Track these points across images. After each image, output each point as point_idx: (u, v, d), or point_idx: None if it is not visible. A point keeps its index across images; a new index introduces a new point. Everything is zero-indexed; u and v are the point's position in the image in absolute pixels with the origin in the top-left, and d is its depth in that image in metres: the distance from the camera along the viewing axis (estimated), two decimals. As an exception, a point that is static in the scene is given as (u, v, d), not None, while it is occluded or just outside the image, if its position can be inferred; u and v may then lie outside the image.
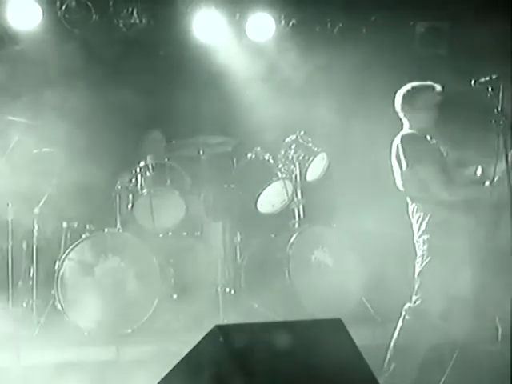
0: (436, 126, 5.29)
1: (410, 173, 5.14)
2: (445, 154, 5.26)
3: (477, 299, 5.10)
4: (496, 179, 4.83)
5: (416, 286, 5.09)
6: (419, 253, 5.13)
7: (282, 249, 6.72)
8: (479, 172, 5.05)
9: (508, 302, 4.75)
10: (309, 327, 3.65)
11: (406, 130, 5.33)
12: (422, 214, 5.15)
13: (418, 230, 5.16)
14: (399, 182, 5.28)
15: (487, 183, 4.99)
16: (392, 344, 5.13)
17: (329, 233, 7.01)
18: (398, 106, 5.38)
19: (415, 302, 5.07)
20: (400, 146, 5.19)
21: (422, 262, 5.09)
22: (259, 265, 7.02)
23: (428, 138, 5.29)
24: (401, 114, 5.38)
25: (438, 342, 5.40)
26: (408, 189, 5.23)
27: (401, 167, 5.18)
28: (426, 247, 5.09)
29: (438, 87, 5.27)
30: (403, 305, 5.14)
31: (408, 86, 5.35)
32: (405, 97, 5.33)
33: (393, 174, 5.31)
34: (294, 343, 3.34)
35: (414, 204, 5.23)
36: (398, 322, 5.15)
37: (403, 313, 5.11)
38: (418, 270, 5.12)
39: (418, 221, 5.17)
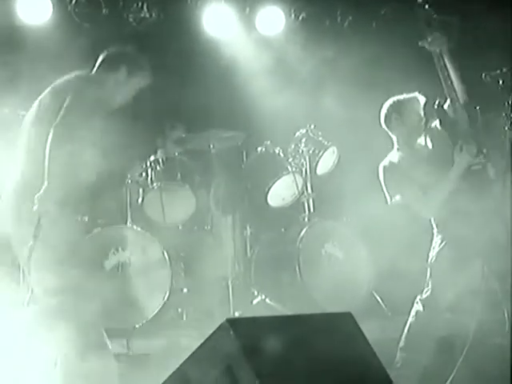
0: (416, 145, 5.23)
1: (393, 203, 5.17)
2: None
3: (487, 291, 5.09)
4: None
5: (427, 277, 5.09)
6: (432, 244, 5.12)
7: (292, 243, 6.73)
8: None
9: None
10: (319, 321, 3.65)
11: (392, 153, 5.27)
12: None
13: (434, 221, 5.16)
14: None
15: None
16: (403, 336, 5.13)
17: (339, 226, 7.01)
18: (384, 120, 5.31)
19: (426, 293, 5.06)
20: (381, 178, 5.18)
21: (435, 253, 5.09)
22: (269, 259, 7.03)
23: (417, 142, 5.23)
24: (387, 129, 5.32)
25: (449, 333, 5.41)
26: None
27: (387, 192, 5.19)
28: (438, 238, 5.09)
29: (422, 99, 5.21)
30: (414, 298, 5.14)
31: (391, 100, 5.29)
32: (390, 110, 5.26)
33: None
34: (304, 337, 3.34)
35: None
36: (408, 314, 5.15)
37: (414, 305, 5.11)
38: (429, 260, 5.11)
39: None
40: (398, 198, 5.13)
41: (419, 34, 8.16)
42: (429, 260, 5.11)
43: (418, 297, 5.10)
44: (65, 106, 4.53)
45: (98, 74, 4.85)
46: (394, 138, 5.26)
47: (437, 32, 4.88)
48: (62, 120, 4.48)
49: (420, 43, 4.97)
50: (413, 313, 5.11)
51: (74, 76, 4.78)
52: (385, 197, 5.20)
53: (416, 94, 5.23)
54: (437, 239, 5.10)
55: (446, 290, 5.04)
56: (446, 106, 4.97)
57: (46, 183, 4.43)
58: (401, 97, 5.26)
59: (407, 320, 5.13)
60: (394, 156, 5.23)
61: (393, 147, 5.27)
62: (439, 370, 5.17)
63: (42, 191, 4.43)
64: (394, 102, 5.26)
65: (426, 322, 5.04)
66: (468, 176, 4.95)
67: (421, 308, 5.06)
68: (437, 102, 4.93)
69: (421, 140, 5.19)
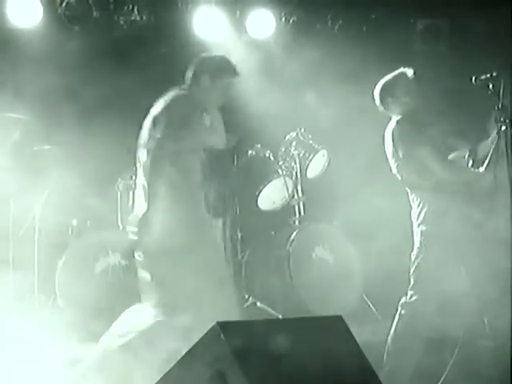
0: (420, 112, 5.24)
1: (409, 157, 5.07)
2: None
3: (473, 294, 5.10)
4: (486, 164, 4.86)
5: (412, 280, 5.08)
6: (416, 244, 5.12)
7: (283, 246, 6.73)
8: (467, 155, 5.02)
9: (502, 296, 4.79)
10: (310, 324, 3.65)
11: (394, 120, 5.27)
12: (420, 204, 5.12)
13: (417, 219, 5.14)
14: (395, 170, 5.23)
15: (481, 169, 4.98)
16: (389, 339, 5.13)
17: (329, 230, 7.02)
18: (379, 101, 5.30)
19: (411, 297, 5.06)
20: (396, 132, 5.11)
21: (418, 255, 5.08)
22: (260, 262, 7.03)
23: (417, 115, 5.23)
24: (384, 110, 5.30)
25: (436, 337, 5.42)
26: (406, 176, 5.17)
27: (397, 153, 5.12)
28: (422, 239, 5.08)
29: (410, 72, 5.22)
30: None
31: (381, 82, 5.29)
32: (382, 94, 5.26)
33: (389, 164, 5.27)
34: (294, 340, 3.34)
35: (413, 194, 5.20)
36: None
37: (399, 308, 5.11)
38: (413, 262, 5.11)
39: (416, 210, 5.15)
40: (416, 149, 5.06)
41: (409, 38, 8.26)
42: (412, 261, 5.11)
43: (403, 299, 5.10)
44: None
45: (187, 88, 5.08)
46: (393, 116, 5.25)
47: None
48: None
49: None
50: (398, 315, 5.11)
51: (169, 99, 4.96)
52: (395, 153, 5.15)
53: (401, 69, 5.23)
54: (419, 239, 5.10)
55: (430, 292, 5.05)
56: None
57: None
58: (388, 77, 5.25)
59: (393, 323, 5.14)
60: (397, 121, 5.21)
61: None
62: (428, 372, 5.18)
63: None
64: (384, 86, 5.26)
65: (412, 325, 5.04)
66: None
67: (406, 311, 5.06)
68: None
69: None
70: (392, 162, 5.19)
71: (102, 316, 6.27)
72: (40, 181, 6.53)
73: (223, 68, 5.05)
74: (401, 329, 5.08)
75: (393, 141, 5.12)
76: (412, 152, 5.05)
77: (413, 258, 5.10)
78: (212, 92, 4.99)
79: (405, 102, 5.18)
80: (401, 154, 5.08)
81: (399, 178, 5.21)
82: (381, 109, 5.29)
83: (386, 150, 5.22)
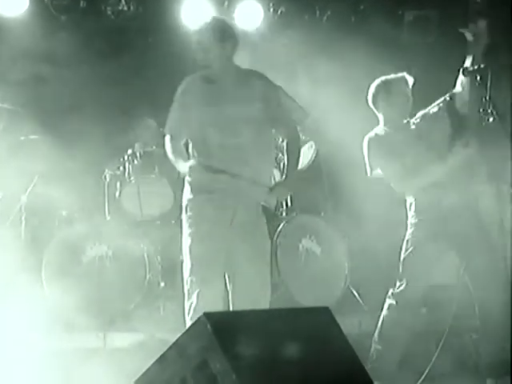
0: (406, 113, 5.25)
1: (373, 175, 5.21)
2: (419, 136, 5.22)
3: (461, 286, 5.12)
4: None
5: (400, 271, 5.10)
6: (406, 237, 5.13)
7: (270, 237, 6.72)
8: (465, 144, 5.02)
9: (491, 289, 4.81)
10: (296, 315, 3.65)
11: (379, 127, 5.28)
12: (410, 198, 5.15)
13: (409, 209, 5.16)
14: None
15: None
16: (377, 330, 5.14)
17: (317, 221, 7.02)
18: (371, 100, 5.30)
19: (398, 288, 5.07)
20: (365, 149, 5.19)
21: (407, 248, 5.09)
22: (247, 253, 7.02)
23: (404, 122, 5.25)
24: (374, 109, 5.32)
25: (423, 329, 5.43)
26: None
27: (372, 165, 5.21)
28: (411, 231, 5.10)
29: (410, 79, 5.23)
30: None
31: (380, 80, 5.28)
32: (378, 89, 5.24)
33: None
34: (281, 331, 3.34)
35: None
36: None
37: (387, 299, 5.12)
38: (402, 254, 5.12)
39: (408, 205, 5.17)
40: (378, 171, 5.14)
41: (398, 29, 8.25)
42: (402, 252, 5.12)
43: (391, 290, 5.11)
44: None
45: None
46: (381, 117, 5.26)
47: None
48: None
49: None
50: (386, 306, 5.12)
51: None
52: (365, 169, 5.20)
53: (404, 73, 5.23)
54: (410, 231, 5.11)
55: (419, 284, 5.07)
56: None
57: None
58: (389, 77, 5.25)
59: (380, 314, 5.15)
60: (380, 130, 5.24)
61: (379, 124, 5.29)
62: (414, 363, 5.20)
63: None
64: (381, 82, 5.24)
65: (400, 316, 5.05)
66: (458, 171, 4.99)
67: (394, 302, 5.07)
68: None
69: (408, 120, 5.21)
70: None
71: (88, 307, 6.28)
72: (26, 171, 6.51)
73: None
74: (388, 319, 5.09)
75: (368, 151, 5.19)
76: (374, 173, 5.19)
77: (403, 249, 5.11)
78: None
79: (395, 103, 5.19)
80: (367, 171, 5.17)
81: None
82: (370, 103, 5.30)
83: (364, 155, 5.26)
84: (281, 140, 7.08)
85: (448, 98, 5.05)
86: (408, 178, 5.04)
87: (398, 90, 5.18)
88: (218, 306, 4.65)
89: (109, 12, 7.59)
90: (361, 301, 6.81)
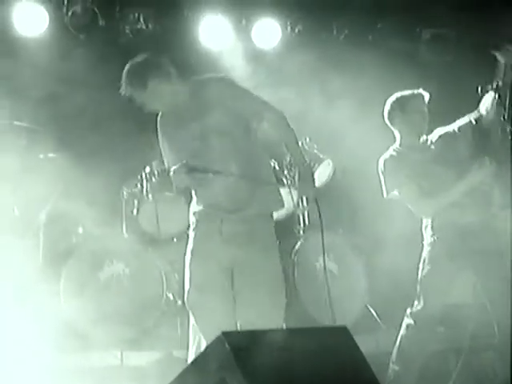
0: (423, 131, 5.22)
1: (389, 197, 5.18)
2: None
3: (478, 305, 5.10)
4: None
5: (418, 290, 5.07)
6: (423, 255, 5.11)
7: (287, 255, 6.72)
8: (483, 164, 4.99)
9: (506, 307, 4.78)
10: (315, 334, 3.64)
11: (395, 146, 5.26)
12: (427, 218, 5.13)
13: (425, 231, 5.14)
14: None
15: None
16: (394, 350, 5.12)
17: (334, 239, 6.99)
18: (387, 115, 5.29)
19: (416, 307, 5.05)
20: (381, 169, 5.18)
21: (424, 266, 5.07)
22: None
23: (420, 141, 5.20)
24: (390, 125, 5.30)
25: (441, 347, 5.40)
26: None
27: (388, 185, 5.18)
28: (428, 250, 5.08)
29: (427, 95, 5.20)
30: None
31: (396, 95, 5.26)
32: (393, 106, 5.23)
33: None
34: (300, 350, 3.33)
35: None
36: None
37: (405, 318, 5.10)
38: (419, 274, 5.10)
39: (424, 224, 5.15)
40: (395, 192, 5.11)
41: (416, 47, 8.26)
42: (419, 271, 5.10)
43: (409, 310, 5.09)
44: None
45: None
46: (397, 134, 5.23)
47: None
48: None
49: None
50: (403, 326, 5.10)
51: None
52: (381, 190, 5.17)
53: (420, 90, 5.20)
54: (427, 250, 5.09)
55: (436, 303, 5.04)
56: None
57: None
58: (405, 93, 5.22)
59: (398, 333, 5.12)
60: (395, 150, 5.21)
61: (395, 142, 5.26)
62: (432, 382, 5.17)
63: None
64: (397, 99, 5.22)
65: (418, 336, 5.02)
66: (473, 192, 4.97)
67: (411, 321, 5.05)
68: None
69: (425, 138, 5.19)
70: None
71: (105, 324, 6.28)
72: (45, 189, 6.53)
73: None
74: (406, 339, 5.07)
75: (383, 173, 5.17)
76: (391, 195, 5.15)
77: (420, 268, 5.09)
78: None
79: (411, 120, 5.16)
80: (392, 188, 5.13)
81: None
82: (386, 119, 5.29)
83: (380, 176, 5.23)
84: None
85: (474, 122, 5.00)
86: (425, 199, 5.02)
87: (414, 107, 5.16)
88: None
89: (127, 31, 7.63)
90: (378, 320, 6.78)
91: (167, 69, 4.76)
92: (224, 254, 4.56)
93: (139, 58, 4.75)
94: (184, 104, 4.69)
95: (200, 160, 4.54)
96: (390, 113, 5.25)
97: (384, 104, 5.36)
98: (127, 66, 4.77)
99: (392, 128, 5.26)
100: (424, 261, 5.08)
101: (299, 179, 4.75)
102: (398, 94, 5.23)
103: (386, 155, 5.19)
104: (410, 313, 5.06)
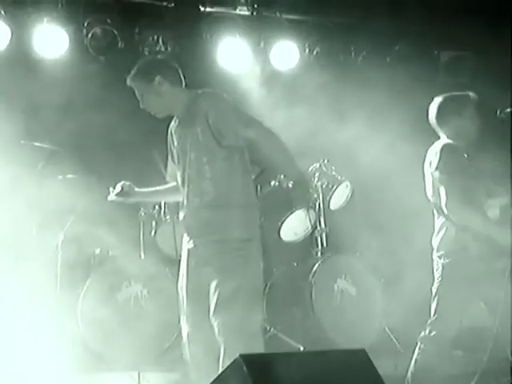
0: (474, 137, 5.10)
1: (448, 183, 4.89)
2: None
3: (491, 328, 5.05)
4: None
5: (432, 313, 5.04)
6: (436, 277, 5.06)
7: (305, 277, 6.71)
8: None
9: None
10: (333, 357, 3.63)
11: (445, 139, 5.08)
12: (443, 235, 5.05)
13: (437, 250, 5.08)
14: (429, 193, 5.09)
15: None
16: (409, 374, 5.07)
17: (352, 262, 6.98)
18: (433, 116, 5.08)
19: (430, 332, 5.01)
20: (444, 154, 4.91)
21: (438, 288, 5.03)
22: (282, 293, 7.00)
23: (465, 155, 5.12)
24: (436, 126, 5.10)
25: (455, 372, 5.36)
26: (435, 199, 5.07)
27: (437, 174, 4.92)
28: (442, 272, 5.03)
29: (474, 95, 5.08)
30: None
31: (443, 96, 5.07)
32: (440, 106, 5.05)
33: (424, 188, 5.17)
34: (317, 373, 3.32)
35: (438, 220, 5.11)
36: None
37: (419, 342, 5.06)
38: (434, 296, 5.06)
39: (439, 241, 5.09)
40: (441, 190, 4.97)
41: (434, 69, 8.27)
42: (433, 294, 5.06)
43: (422, 333, 5.05)
44: None
45: None
46: (443, 134, 5.09)
47: None
48: None
49: None
50: (417, 349, 5.06)
51: None
52: (425, 187, 5.06)
53: (469, 92, 5.11)
54: (441, 273, 5.06)
55: (451, 326, 5.00)
56: None
57: None
58: (456, 93, 5.10)
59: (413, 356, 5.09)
60: (451, 143, 5.02)
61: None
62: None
63: None
64: (449, 99, 5.05)
65: (432, 359, 4.98)
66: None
67: (425, 345, 5.01)
68: None
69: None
70: (427, 183, 5.08)
71: (123, 345, 6.28)
72: (64, 209, 6.56)
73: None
74: (421, 362, 5.03)
75: (438, 160, 4.92)
76: (453, 179, 4.87)
77: (433, 291, 5.06)
78: None
79: (464, 124, 5.03)
80: (441, 177, 4.92)
81: (429, 198, 5.10)
82: (433, 122, 5.13)
83: (425, 166, 5.08)
84: (316, 179, 7.12)
85: None
86: (466, 204, 4.89)
87: (468, 107, 5.02)
88: (209, 351, 4.45)
89: (146, 52, 7.68)
90: (396, 342, 6.75)
91: (177, 74, 4.83)
92: (197, 278, 4.59)
93: (155, 56, 4.85)
94: (179, 114, 4.76)
95: (180, 177, 4.66)
96: (440, 114, 5.06)
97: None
98: (141, 60, 4.92)
99: (439, 131, 5.11)
100: (438, 283, 5.04)
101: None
102: (447, 95, 5.09)
103: (445, 141, 5.00)
104: (424, 336, 5.02)
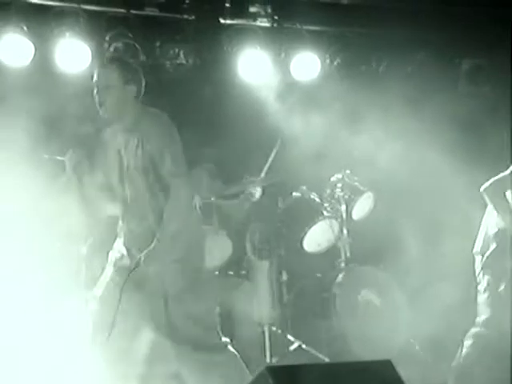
0: None
1: None
2: None
3: None
4: None
5: (479, 312, 5.05)
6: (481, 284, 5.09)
7: (329, 288, 6.69)
8: None
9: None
10: (359, 369, 3.61)
11: None
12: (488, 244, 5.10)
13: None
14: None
15: None
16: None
17: (376, 272, 6.95)
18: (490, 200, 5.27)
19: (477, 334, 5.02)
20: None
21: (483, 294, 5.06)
22: (306, 304, 6.99)
23: None
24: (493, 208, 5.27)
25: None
26: None
27: None
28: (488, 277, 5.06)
29: None
30: (455, 343, 5.08)
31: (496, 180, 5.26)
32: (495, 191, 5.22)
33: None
34: (344, 385, 3.31)
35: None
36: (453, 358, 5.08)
37: (463, 349, 5.04)
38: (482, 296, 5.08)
39: (478, 260, 5.12)
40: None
41: (455, 78, 8.25)
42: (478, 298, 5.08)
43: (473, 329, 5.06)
44: None
45: None
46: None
47: None
48: None
49: None
50: (464, 348, 5.05)
51: None
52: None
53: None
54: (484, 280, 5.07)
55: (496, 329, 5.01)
56: None
57: None
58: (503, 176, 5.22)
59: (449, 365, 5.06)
60: None
61: None
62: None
63: None
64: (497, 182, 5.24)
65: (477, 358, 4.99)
66: None
67: (473, 342, 5.01)
68: None
69: None
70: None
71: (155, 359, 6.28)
72: (87, 222, 6.57)
73: None
74: (465, 361, 5.03)
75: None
76: None
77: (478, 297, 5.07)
78: None
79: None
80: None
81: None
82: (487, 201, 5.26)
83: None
84: (339, 190, 7.11)
85: None
86: None
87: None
88: None
89: (168, 65, 7.71)
90: (422, 353, 6.70)
91: (138, 83, 5.06)
92: None
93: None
94: (126, 127, 4.91)
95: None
96: (493, 199, 5.24)
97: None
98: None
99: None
100: (484, 288, 5.07)
101: None
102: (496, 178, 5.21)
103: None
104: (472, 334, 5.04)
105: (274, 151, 7.07)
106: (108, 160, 4.94)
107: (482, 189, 5.26)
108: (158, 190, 4.73)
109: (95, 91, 4.87)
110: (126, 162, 4.75)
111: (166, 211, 4.67)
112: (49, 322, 6.08)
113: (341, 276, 6.73)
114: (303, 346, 6.72)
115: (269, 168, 7.19)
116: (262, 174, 7.10)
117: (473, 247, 5.44)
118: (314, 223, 7.03)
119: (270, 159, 7.11)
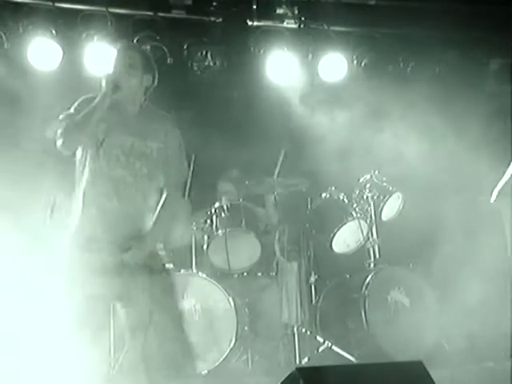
0: None
1: None
2: None
3: None
4: None
5: None
6: None
7: (358, 289, 6.67)
8: None
9: None
10: (390, 369, 3.60)
11: None
12: None
13: None
14: None
15: None
16: None
17: (405, 273, 6.92)
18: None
19: None
20: None
21: None
22: (335, 305, 6.98)
23: None
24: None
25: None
26: None
27: None
28: None
29: None
30: (487, 344, 5.05)
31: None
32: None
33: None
34: (374, 386, 3.31)
35: None
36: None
37: None
38: None
39: None
40: None
41: (483, 78, 8.21)
42: None
43: None
44: None
45: None
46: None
47: None
48: None
49: None
50: None
51: None
52: None
53: None
54: None
55: None
56: None
57: None
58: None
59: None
60: None
61: None
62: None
63: None
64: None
65: None
66: None
67: None
68: None
69: None
70: None
71: (175, 359, 6.29)
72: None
73: None
74: None
75: None
76: None
77: None
78: None
79: None
80: None
81: None
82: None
83: None
84: (368, 191, 7.11)
85: None
86: None
87: None
88: None
89: (195, 67, 7.73)
90: (451, 353, 6.67)
91: (153, 75, 5.03)
92: None
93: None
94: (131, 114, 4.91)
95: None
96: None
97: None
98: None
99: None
100: None
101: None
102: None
103: None
104: None
105: (281, 159, 7.05)
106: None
107: (492, 200, 5.22)
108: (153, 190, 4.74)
109: (111, 74, 4.86)
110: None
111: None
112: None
113: (370, 277, 6.70)
114: (332, 347, 6.71)
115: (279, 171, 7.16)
116: (275, 177, 7.08)
117: (506, 246, 5.39)
118: (343, 224, 7.02)
119: (279, 164, 7.09)
